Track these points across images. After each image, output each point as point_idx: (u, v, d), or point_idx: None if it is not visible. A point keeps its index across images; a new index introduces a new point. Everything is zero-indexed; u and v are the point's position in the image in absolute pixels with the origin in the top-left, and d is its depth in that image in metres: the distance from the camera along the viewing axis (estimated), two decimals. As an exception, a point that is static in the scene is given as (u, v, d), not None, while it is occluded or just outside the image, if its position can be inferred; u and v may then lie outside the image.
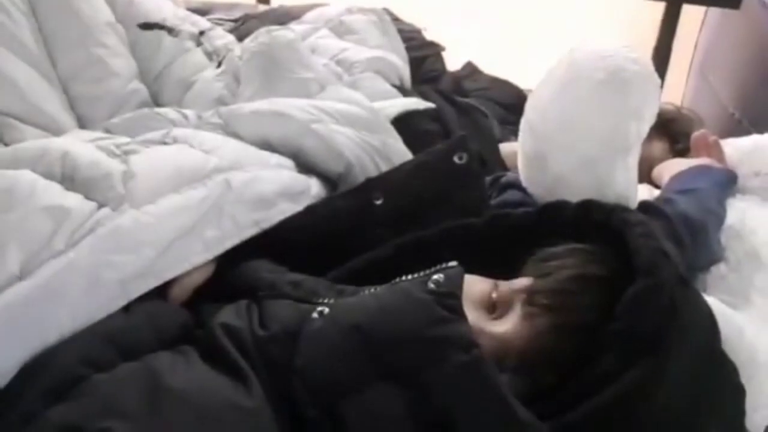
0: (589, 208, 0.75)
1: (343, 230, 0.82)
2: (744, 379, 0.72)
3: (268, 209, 0.82)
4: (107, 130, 0.97)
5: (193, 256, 0.73)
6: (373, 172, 0.95)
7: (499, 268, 0.72)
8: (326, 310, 0.62)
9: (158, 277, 0.70)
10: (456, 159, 0.84)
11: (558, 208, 0.77)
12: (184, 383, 0.58)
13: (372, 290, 0.66)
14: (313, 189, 0.91)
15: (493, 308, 0.67)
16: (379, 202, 0.82)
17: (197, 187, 0.77)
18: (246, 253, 0.77)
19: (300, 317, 0.63)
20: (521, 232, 0.76)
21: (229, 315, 0.67)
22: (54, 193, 0.70)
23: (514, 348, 0.63)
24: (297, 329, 0.61)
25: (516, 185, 1.04)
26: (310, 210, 0.84)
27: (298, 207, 0.86)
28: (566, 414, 0.58)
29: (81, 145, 0.79)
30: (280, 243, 0.80)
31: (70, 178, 0.73)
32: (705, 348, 0.63)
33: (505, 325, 0.64)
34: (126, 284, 0.67)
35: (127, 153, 0.80)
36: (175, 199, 0.74)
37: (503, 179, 1.07)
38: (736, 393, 0.65)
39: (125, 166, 0.76)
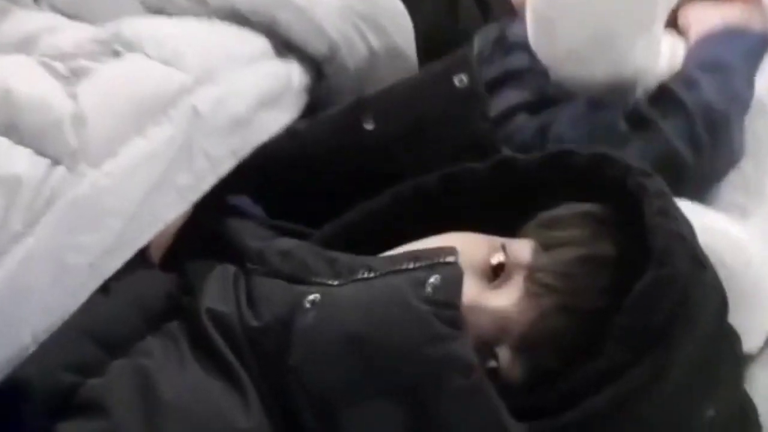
0: (601, 162, 0.67)
1: (330, 157, 0.74)
2: (744, 310, 0.69)
3: (246, 129, 0.73)
4: (53, 7, 0.84)
5: (166, 212, 0.66)
6: (362, 53, 0.84)
7: (502, 217, 0.67)
8: (318, 297, 0.57)
9: (131, 247, 0.63)
10: (456, 82, 0.73)
11: (567, 155, 0.68)
12: (178, 394, 0.55)
13: (365, 275, 0.59)
14: (295, 80, 0.81)
15: (493, 274, 0.62)
16: (369, 127, 0.73)
17: (161, 121, 0.67)
18: (225, 186, 0.71)
19: (292, 302, 0.58)
20: (527, 177, 0.69)
21: (215, 296, 0.62)
22: (1, 155, 0.62)
23: (516, 329, 0.59)
24: (289, 318, 0.57)
25: (523, 46, 0.92)
26: (291, 134, 0.75)
27: (279, 112, 0.78)
28: (568, 412, 0.55)
29: (23, 74, 0.68)
30: (263, 170, 0.74)
31: (14, 127, 0.63)
32: (711, 333, 0.59)
33: (506, 299, 0.60)
34: (96, 266, 0.61)
35: (76, 74, 0.69)
36: (138, 146, 0.65)
37: (510, 37, 0.95)
38: (736, 366, 0.62)
39: (74, 104, 0.65)
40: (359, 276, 0.60)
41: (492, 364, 0.58)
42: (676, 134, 0.80)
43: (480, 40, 0.96)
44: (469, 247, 0.62)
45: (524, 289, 0.60)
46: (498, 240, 0.64)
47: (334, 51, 0.83)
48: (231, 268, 0.65)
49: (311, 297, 0.57)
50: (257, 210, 0.77)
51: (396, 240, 0.65)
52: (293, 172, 0.75)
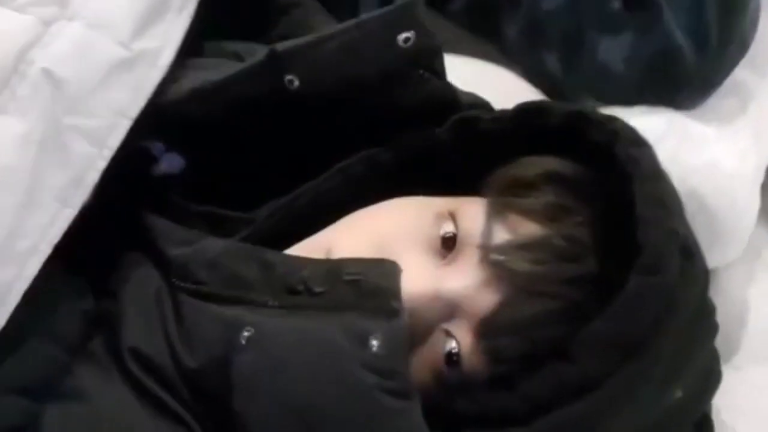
0: (583, 122, 0.55)
1: (250, 120, 0.57)
2: (717, 245, 0.66)
3: (130, 71, 0.52)
4: None
5: (47, 232, 0.48)
6: None
7: (467, 181, 0.56)
8: (252, 333, 0.48)
9: (13, 297, 0.47)
10: (400, 42, 0.54)
11: (539, 112, 0.56)
12: None
13: (302, 298, 0.49)
14: (188, 8, 0.58)
15: (445, 248, 0.52)
16: (294, 85, 0.55)
17: (6, 106, 0.47)
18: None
19: (227, 338, 0.48)
20: (492, 138, 0.57)
21: (138, 329, 0.51)
22: None
23: (476, 312, 0.50)
24: (226, 356, 0.48)
25: None
26: (197, 97, 0.56)
27: (172, 20, 0.56)
28: (539, 419, 0.48)
29: None
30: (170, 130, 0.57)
31: None
32: (692, 322, 0.51)
33: (461, 280, 0.50)
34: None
35: None
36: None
37: None
38: (710, 340, 0.54)
39: None
40: (296, 296, 0.50)
41: (452, 346, 0.50)
42: (679, 23, 0.64)
43: None
44: (416, 218, 0.53)
45: (481, 269, 0.50)
46: (446, 206, 0.54)
47: None
48: (152, 282, 0.53)
49: (246, 333, 0.48)
50: (174, 159, 0.60)
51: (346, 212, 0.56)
52: (206, 139, 0.58)
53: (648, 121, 0.65)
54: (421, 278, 0.50)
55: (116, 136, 0.53)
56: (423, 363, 0.51)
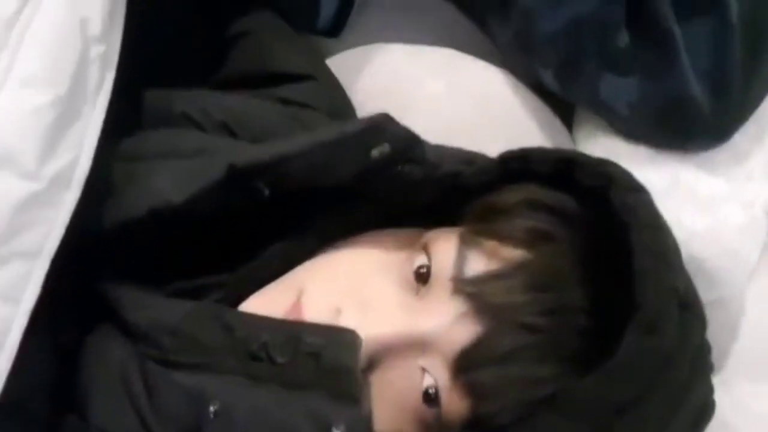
0: (572, 168, 0.51)
1: (217, 225, 0.53)
2: (718, 291, 0.61)
3: (42, 201, 0.43)
4: None
5: None
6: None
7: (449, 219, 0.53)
8: (219, 407, 0.46)
9: None
10: (375, 153, 0.49)
11: (525, 160, 0.52)
12: None
13: (262, 365, 0.47)
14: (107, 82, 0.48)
15: (419, 282, 0.50)
16: (266, 194, 0.50)
17: None
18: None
19: (196, 412, 0.47)
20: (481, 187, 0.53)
21: (102, 405, 0.49)
22: None
23: (451, 349, 0.47)
24: (197, 427, 0.47)
25: None
26: (158, 217, 0.50)
27: (86, 115, 0.46)
28: None
29: None
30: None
31: None
32: (688, 374, 0.48)
33: (437, 319, 0.48)
34: None
35: None
36: None
37: None
38: (705, 382, 0.52)
39: None
40: (259, 363, 0.48)
41: (429, 383, 0.48)
42: (696, 67, 0.54)
43: None
44: (388, 253, 0.52)
45: (455, 302, 0.48)
46: (420, 239, 0.52)
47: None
48: (117, 352, 0.51)
49: (212, 408, 0.47)
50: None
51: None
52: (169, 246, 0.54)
53: (650, 175, 0.58)
54: (394, 319, 0.48)
55: (35, 283, 0.44)
56: (402, 406, 0.49)
